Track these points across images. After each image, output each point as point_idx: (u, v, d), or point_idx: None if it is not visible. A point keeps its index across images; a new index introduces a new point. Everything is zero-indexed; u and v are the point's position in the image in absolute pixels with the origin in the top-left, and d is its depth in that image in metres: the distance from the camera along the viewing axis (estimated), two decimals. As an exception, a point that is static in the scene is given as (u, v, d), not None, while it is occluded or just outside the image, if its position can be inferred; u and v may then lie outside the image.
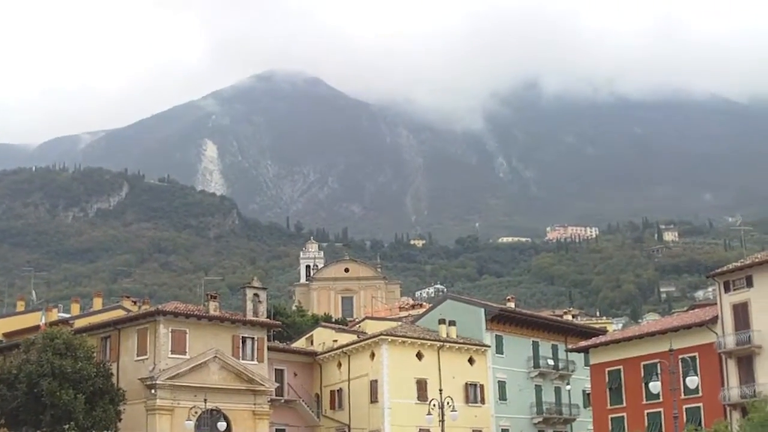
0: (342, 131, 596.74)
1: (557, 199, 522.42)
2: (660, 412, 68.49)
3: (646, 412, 70.92)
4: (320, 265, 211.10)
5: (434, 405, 59.56)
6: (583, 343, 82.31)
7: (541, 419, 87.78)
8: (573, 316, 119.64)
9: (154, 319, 69.41)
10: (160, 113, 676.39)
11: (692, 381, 48.41)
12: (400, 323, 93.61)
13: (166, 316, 69.55)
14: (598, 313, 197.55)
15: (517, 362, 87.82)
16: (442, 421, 59.59)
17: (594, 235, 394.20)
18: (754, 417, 56.63)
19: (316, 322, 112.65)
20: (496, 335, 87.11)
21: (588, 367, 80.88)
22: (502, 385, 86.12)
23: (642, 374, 71.23)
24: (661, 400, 63.77)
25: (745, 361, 66.66)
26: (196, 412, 67.17)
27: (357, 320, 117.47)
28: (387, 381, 78.67)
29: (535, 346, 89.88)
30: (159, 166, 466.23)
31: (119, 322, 73.20)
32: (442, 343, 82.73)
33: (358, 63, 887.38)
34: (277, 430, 78.67)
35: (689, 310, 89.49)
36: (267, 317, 79.14)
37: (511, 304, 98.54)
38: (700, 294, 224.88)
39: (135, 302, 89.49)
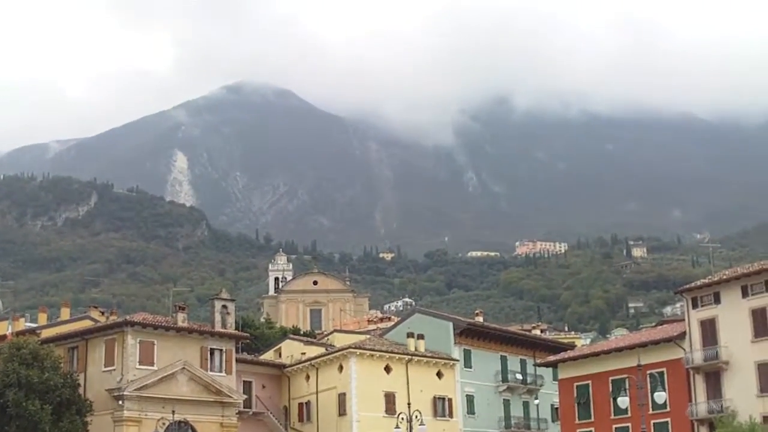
0: (312, 144, 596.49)
1: (526, 214, 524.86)
2: (628, 427, 68.76)
3: (614, 427, 71.27)
4: (289, 278, 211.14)
5: (402, 418, 59.31)
6: (551, 358, 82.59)
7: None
8: (542, 331, 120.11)
9: (122, 329, 68.80)
10: (130, 123, 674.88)
11: (660, 396, 48.49)
12: (368, 336, 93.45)
13: (134, 327, 68.94)
14: (566, 328, 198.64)
15: (485, 376, 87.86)
16: (411, 434, 59.46)
17: (563, 251, 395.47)
18: (722, 432, 57.10)
19: (284, 334, 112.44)
20: (464, 349, 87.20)
21: (556, 382, 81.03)
22: (470, 399, 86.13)
23: (610, 389, 71.55)
24: (629, 415, 63.67)
25: (713, 377, 67.17)
26: (164, 424, 66.59)
27: (325, 333, 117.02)
28: (355, 394, 78.45)
29: (504, 360, 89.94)
30: (128, 176, 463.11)
31: (87, 332, 72.45)
32: (410, 357, 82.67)
33: (329, 76, 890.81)
34: (244, 442, 78.20)
35: (657, 325, 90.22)
36: (235, 329, 78.86)
37: (480, 319, 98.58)
38: (668, 310, 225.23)
39: (103, 313, 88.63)
